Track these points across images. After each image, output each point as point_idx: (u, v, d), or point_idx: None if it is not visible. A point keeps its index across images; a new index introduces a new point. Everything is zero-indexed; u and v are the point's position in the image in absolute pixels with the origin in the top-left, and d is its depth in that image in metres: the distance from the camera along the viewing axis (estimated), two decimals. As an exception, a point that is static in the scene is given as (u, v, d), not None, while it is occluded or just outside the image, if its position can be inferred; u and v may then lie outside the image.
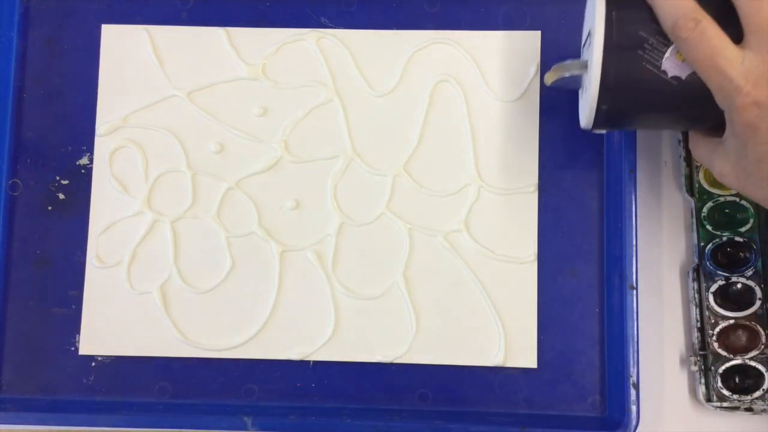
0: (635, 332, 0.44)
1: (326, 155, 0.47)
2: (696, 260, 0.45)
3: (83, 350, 0.47)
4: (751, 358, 0.44)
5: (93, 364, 0.47)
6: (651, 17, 0.36)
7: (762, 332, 0.44)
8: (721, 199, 0.45)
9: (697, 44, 0.34)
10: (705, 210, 0.45)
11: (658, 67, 0.36)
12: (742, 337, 0.45)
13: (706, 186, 0.45)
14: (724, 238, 0.45)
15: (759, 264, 0.45)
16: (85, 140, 0.48)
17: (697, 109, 0.36)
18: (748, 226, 0.45)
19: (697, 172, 0.45)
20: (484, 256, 0.46)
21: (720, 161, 0.37)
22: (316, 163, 0.47)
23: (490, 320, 0.46)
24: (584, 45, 0.41)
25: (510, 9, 0.48)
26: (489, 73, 0.47)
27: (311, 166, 0.47)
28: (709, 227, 0.45)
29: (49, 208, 0.48)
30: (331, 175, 0.47)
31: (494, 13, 0.48)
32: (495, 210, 0.47)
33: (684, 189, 0.46)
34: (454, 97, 0.47)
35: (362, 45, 0.48)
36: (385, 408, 0.46)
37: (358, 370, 0.46)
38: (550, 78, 0.41)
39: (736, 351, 0.44)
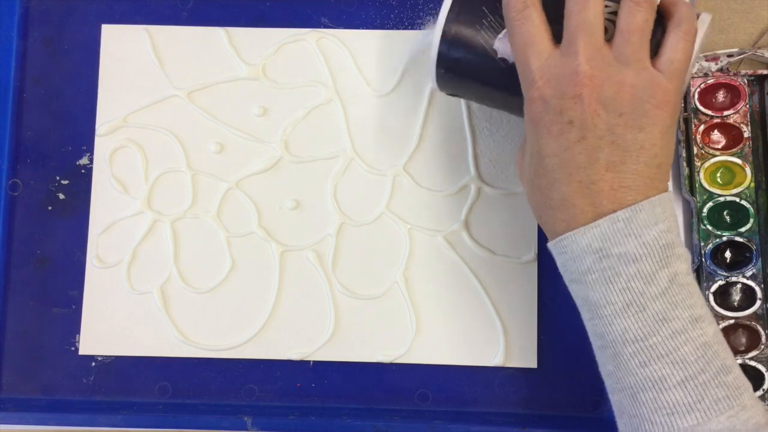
0: (635, 332, 0.44)
1: (326, 155, 0.47)
2: (696, 260, 0.45)
3: (83, 350, 0.47)
4: (751, 358, 0.44)
5: (93, 364, 0.47)
6: None
7: (762, 332, 0.44)
8: (721, 199, 0.45)
9: (518, 28, 0.34)
10: (705, 210, 0.45)
11: (490, 46, 0.36)
12: (742, 337, 0.45)
13: (706, 186, 0.45)
14: (724, 238, 0.45)
15: (759, 264, 0.45)
16: (85, 140, 0.48)
17: (520, 95, 0.36)
18: (748, 226, 0.45)
19: (698, 172, 0.45)
20: (484, 256, 0.46)
21: (519, 157, 0.38)
22: (316, 163, 0.47)
23: (490, 320, 0.46)
24: None
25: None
26: (489, 73, 0.47)
27: (311, 166, 0.47)
28: (709, 227, 0.45)
29: (49, 208, 0.48)
30: (331, 175, 0.47)
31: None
32: (495, 210, 0.47)
33: (684, 189, 0.46)
34: (454, 97, 0.47)
35: (362, 45, 0.48)
36: (385, 408, 0.46)
37: (358, 370, 0.46)
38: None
39: (736, 351, 0.44)
